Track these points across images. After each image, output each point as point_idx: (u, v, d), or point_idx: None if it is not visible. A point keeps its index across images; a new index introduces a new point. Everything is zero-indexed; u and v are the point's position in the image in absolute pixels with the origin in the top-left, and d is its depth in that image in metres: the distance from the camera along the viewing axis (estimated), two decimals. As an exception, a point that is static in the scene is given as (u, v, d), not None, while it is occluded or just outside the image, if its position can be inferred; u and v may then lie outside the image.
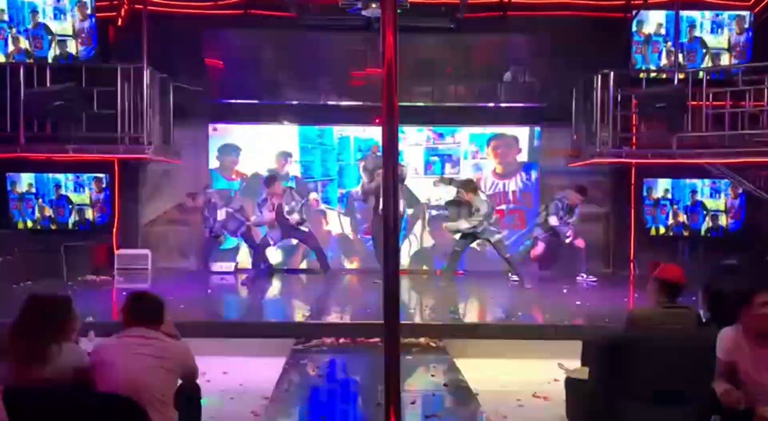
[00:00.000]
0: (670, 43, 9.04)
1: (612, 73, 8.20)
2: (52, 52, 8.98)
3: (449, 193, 8.47)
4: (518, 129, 9.61)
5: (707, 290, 3.94)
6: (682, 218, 9.47)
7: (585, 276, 8.34)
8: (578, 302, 7.11)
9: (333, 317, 6.57)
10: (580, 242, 8.41)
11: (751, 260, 8.57)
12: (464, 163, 9.56)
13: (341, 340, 5.68)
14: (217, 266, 9.18)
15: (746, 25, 9.18)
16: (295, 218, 8.32)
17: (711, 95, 7.99)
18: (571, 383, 4.16)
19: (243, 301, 7.62)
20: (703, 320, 3.94)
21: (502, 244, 8.03)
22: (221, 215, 8.71)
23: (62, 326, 2.93)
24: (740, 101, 7.91)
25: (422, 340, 5.66)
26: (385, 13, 2.29)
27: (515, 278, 8.32)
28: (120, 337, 3.11)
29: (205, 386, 3.53)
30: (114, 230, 9.30)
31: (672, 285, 3.86)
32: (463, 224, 7.86)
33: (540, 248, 8.52)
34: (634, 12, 9.21)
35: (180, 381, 3.16)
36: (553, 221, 8.24)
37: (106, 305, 7.19)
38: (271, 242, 8.64)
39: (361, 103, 9.31)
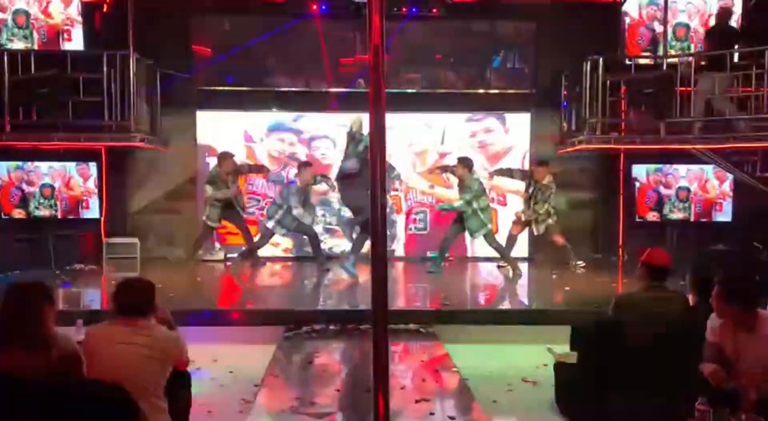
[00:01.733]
0: (659, 29, 9.03)
1: (601, 59, 8.20)
2: (37, 39, 8.87)
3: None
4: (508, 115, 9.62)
5: (694, 274, 3.97)
6: (671, 203, 9.50)
7: (575, 262, 8.37)
8: (567, 288, 7.15)
9: (322, 304, 6.56)
10: (558, 239, 8.39)
11: (740, 246, 8.63)
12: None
13: (331, 326, 5.69)
14: (207, 254, 9.17)
15: (736, 11, 9.18)
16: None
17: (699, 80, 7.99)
18: (560, 368, 4.19)
19: (232, 288, 7.61)
20: (691, 304, 3.97)
21: (492, 236, 8.01)
22: None
23: (42, 311, 2.88)
24: (728, 87, 7.92)
25: (412, 326, 5.68)
26: (372, -4, 2.26)
27: (503, 264, 8.36)
28: (110, 325, 3.10)
29: (195, 373, 3.54)
30: (102, 218, 9.23)
31: (659, 269, 3.89)
32: (456, 202, 7.83)
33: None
34: (623, -3, 9.19)
35: (170, 369, 3.15)
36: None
37: (95, 294, 7.17)
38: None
39: (350, 90, 9.26)
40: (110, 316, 3.14)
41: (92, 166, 9.18)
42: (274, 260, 9.09)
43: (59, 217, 9.21)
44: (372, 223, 3.02)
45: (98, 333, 3.10)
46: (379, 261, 2.96)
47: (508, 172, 8.66)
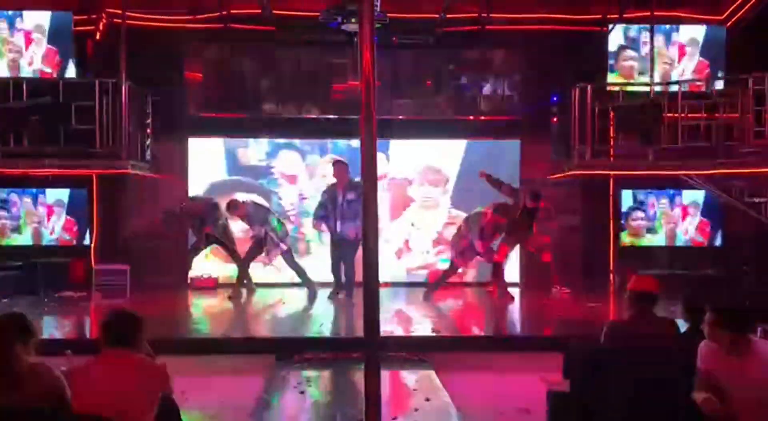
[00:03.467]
0: (645, 57, 9.18)
1: (589, 87, 8.31)
2: (29, 66, 8.90)
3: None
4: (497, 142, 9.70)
5: (686, 300, 3.98)
6: (660, 228, 9.56)
7: (559, 288, 8.38)
8: (559, 314, 7.15)
9: (314, 332, 6.52)
10: (546, 257, 8.43)
11: (729, 270, 8.69)
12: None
13: (322, 355, 5.65)
14: (198, 281, 9.11)
15: (720, 39, 9.36)
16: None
17: (686, 108, 8.12)
18: (553, 396, 4.17)
19: (223, 317, 7.55)
20: (681, 331, 3.98)
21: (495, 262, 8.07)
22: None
23: (14, 347, 2.82)
24: (715, 113, 8.05)
25: (404, 354, 5.64)
26: (363, 29, 2.31)
27: (491, 288, 8.39)
28: (100, 358, 3.07)
29: (184, 403, 3.49)
30: (92, 245, 9.18)
31: (647, 296, 3.90)
32: None
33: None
34: (610, 26, 9.35)
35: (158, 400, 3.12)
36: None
37: (84, 322, 7.10)
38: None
39: (341, 116, 9.33)
40: (99, 347, 3.11)
41: (83, 193, 9.18)
42: (264, 286, 9.03)
43: (48, 244, 9.16)
44: (364, 251, 3.04)
45: (89, 366, 3.07)
46: (371, 289, 2.97)
47: (498, 184, 8.55)
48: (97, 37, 9.08)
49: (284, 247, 8.17)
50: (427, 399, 4.61)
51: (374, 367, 2.90)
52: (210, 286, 9.12)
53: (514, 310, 7.80)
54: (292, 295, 8.49)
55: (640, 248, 9.47)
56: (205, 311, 7.93)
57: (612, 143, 8.68)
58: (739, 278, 8.47)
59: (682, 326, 4.05)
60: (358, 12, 2.32)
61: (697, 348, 3.34)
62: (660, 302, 4.00)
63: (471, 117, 9.89)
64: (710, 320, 3.20)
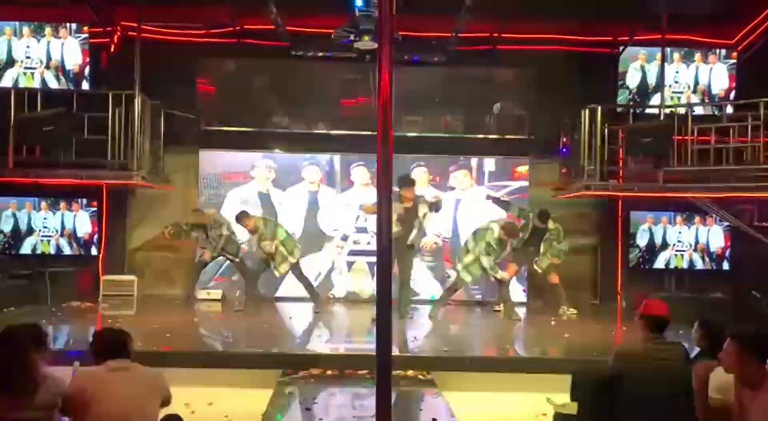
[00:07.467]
0: (656, 79, 9.21)
1: (599, 108, 8.33)
2: (44, 77, 9.00)
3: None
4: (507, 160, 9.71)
5: (704, 325, 3.94)
6: (669, 251, 9.53)
7: (566, 309, 8.33)
8: (567, 335, 7.10)
9: (321, 348, 6.50)
10: (554, 278, 8.41)
11: (738, 294, 8.63)
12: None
13: (329, 371, 5.63)
14: (204, 294, 9.11)
15: (731, 62, 9.39)
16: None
17: (696, 131, 8.13)
18: (559, 418, 4.14)
19: (229, 330, 7.54)
20: (691, 356, 3.95)
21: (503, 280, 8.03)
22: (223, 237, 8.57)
23: (29, 356, 2.84)
24: (725, 137, 8.05)
25: (410, 372, 5.62)
26: (382, 51, 2.33)
27: (497, 308, 8.33)
28: (105, 368, 3.09)
29: (189, 417, 3.50)
30: (100, 255, 9.21)
31: (657, 321, 3.87)
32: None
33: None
34: (620, 48, 9.40)
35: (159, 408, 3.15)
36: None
37: (91, 333, 7.09)
38: None
39: (352, 132, 9.37)
40: (98, 359, 3.14)
41: (93, 204, 9.23)
42: (272, 300, 9.03)
43: (57, 253, 9.20)
44: (377, 267, 3.03)
45: (92, 374, 3.09)
46: (384, 306, 2.96)
47: (505, 206, 8.63)
48: (112, 49, 9.19)
49: (293, 260, 8.15)
50: (434, 419, 4.59)
51: (386, 385, 2.88)
52: (217, 299, 9.11)
53: (521, 330, 7.76)
54: (300, 309, 8.48)
55: (648, 270, 9.43)
56: (211, 324, 7.92)
57: (621, 165, 8.69)
58: (748, 302, 8.41)
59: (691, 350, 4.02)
60: (378, 33, 2.34)
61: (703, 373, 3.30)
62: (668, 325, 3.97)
63: (481, 135, 9.92)
64: (735, 348, 3.08)
